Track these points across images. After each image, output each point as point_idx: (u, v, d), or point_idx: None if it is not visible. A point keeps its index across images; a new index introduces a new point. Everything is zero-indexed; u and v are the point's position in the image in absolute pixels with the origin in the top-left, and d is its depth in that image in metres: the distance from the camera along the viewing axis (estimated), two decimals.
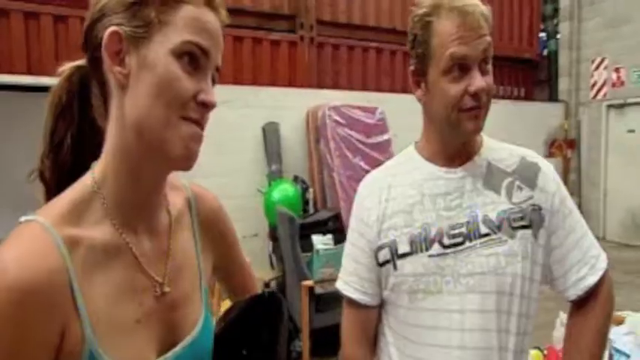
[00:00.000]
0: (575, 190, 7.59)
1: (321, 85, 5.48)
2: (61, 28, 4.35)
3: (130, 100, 0.58)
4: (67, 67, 0.66)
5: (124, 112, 0.59)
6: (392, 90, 5.95)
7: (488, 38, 0.92)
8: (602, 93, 7.63)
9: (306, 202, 4.89)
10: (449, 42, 0.90)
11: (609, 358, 2.99)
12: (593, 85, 7.73)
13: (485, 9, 0.93)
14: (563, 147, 7.82)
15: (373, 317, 1.06)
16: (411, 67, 1.00)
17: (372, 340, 1.08)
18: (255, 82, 4.91)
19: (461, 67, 0.91)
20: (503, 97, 6.80)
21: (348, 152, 5.06)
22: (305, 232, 4.00)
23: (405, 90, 6.11)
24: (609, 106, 7.57)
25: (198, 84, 0.59)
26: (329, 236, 3.91)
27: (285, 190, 4.53)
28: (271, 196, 4.38)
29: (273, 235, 4.24)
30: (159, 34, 0.57)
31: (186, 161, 0.60)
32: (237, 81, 4.75)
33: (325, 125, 4.96)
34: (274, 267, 4.37)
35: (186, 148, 0.59)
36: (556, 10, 8.12)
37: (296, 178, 4.99)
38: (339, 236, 4.14)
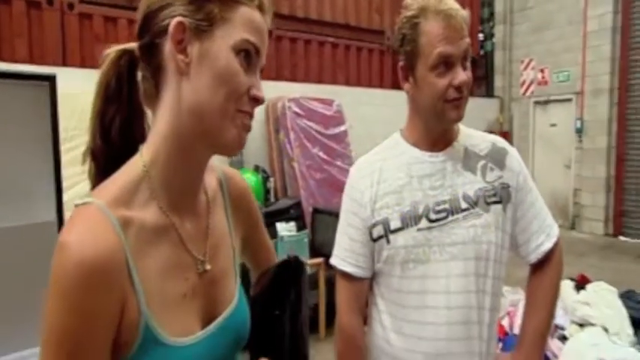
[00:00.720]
0: None
1: (279, 78, 5.42)
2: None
3: (190, 87, 0.59)
4: (112, 50, 0.65)
5: (181, 98, 0.60)
6: (347, 83, 6.04)
7: (468, 39, 1.00)
8: (529, 90, 8.14)
9: (267, 191, 4.87)
10: (436, 41, 0.97)
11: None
12: (523, 83, 8.22)
13: (465, 13, 1.01)
14: None
15: (365, 289, 1.14)
16: (401, 63, 1.07)
17: (364, 310, 1.14)
18: None
19: (446, 64, 0.98)
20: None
21: (307, 142, 5.09)
22: (268, 220, 4.00)
23: (359, 83, 6.20)
24: (536, 102, 8.03)
25: (251, 79, 0.61)
26: (292, 224, 3.96)
27: (246, 179, 4.46)
28: None
29: None
30: (220, 29, 0.59)
31: (237, 148, 0.62)
32: None
33: (285, 116, 4.94)
34: None
35: (239, 136, 0.62)
36: (492, 14, 8.54)
37: (257, 168, 4.94)
38: (301, 223, 4.20)
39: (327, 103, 5.36)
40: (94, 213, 0.56)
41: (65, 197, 2.13)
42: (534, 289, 1.17)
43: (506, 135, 8.26)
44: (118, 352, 0.56)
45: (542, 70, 7.83)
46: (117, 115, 0.65)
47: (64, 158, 2.11)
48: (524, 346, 1.13)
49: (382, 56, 6.38)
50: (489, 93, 8.49)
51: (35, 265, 1.92)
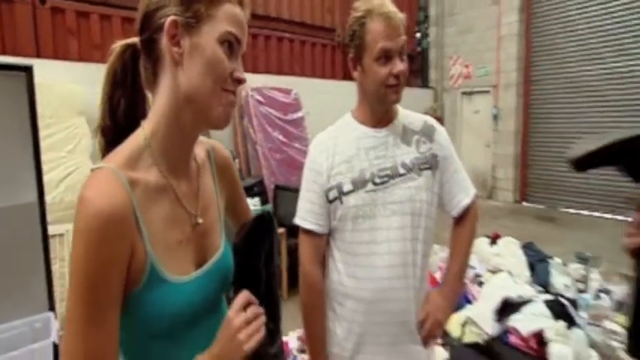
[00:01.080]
0: None
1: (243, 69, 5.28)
2: None
3: (183, 74, 0.62)
4: (118, 44, 0.69)
5: (177, 83, 0.63)
6: (303, 74, 5.96)
7: (404, 37, 1.07)
8: (457, 83, 8.25)
9: None
10: (379, 38, 1.03)
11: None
12: (452, 76, 8.31)
13: (402, 15, 1.08)
14: None
15: (324, 243, 1.17)
16: (350, 55, 1.10)
17: (322, 261, 1.18)
18: None
19: (386, 56, 1.04)
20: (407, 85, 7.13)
21: (269, 127, 5.07)
22: None
23: (314, 74, 6.13)
24: (462, 93, 8.21)
25: (233, 64, 0.65)
26: (256, 199, 3.99)
27: None
28: None
29: None
30: (207, 24, 0.62)
31: (224, 122, 0.66)
32: None
33: (248, 104, 4.89)
34: None
35: (225, 113, 0.65)
36: (427, 17, 8.53)
37: None
38: (264, 199, 4.24)
39: (286, 92, 5.33)
40: (107, 174, 0.59)
41: (45, 179, 2.07)
42: (456, 237, 1.24)
43: (439, 120, 8.20)
44: (128, 287, 0.60)
45: (467, 66, 8.04)
46: (122, 99, 0.68)
47: (43, 144, 2.04)
48: (448, 281, 1.21)
49: (334, 51, 6.32)
50: (425, 84, 8.61)
51: (19, 243, 1.88)
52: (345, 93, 6.02)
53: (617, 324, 2.68)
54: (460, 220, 1.22)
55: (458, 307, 3.05)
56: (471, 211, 1.22)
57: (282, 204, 4.08)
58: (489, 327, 2.73)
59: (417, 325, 1.13)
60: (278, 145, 5.12)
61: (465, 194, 1.20)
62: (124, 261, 0.58)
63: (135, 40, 0.68)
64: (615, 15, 5.98)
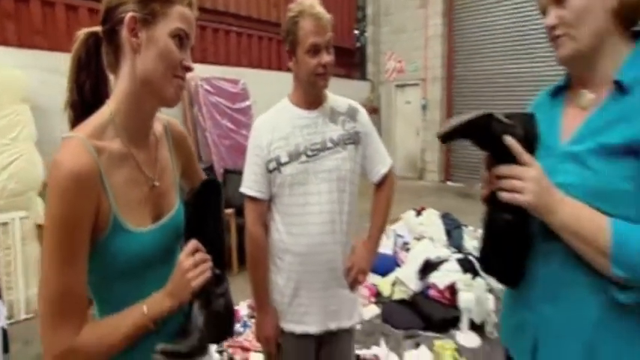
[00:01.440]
0: None
1: (192, 60, 5.08)
2: None
3: (141, 61, 0.69)
4: (82, 32, 0.73)
5: (135, 68, 0.69)
6: (250, 66, 5.87)
7: (330, 34, 1.17)
8: (392, 76, 8.51)
9: None
10: (310, 34, 1.13)
11: (394, 239, 3.80)
12: (387, 70, 8.56)
13: (329, 16, 1.17)
14: (371, 112, 8.30)
15: (265, 207, 1.25)
16: (287, 48, 1.19)
17: (264, 223, 1.26)
18: None
19: (315, 50, 1.14)
20: (338, 76, 7.11)
21: (218, 115, 4.99)
22: None
23: (260, 66, 6.05)
24: (396, 86, 8.47)
25: (182, 55, 0.72)
26: None
27: None
28: None
29: None
30: (161, 21, 0.69)
31: (174, 101, 0.73)
32: None
33: (198, 93, 4.77)
34: None
35: (176, 93, 0.73)
36: (365, 16, 8.69)
37: None
38: None
39: (234, 82, 5.25)
40: (77, 142, 0.64)
41: None
42: (377, 199, 1.36)
43: (376, 109, 8.62)
44: (96, 236, 0.66)
45: (400, 62, 8.29)
46: (87, 79, 0.73)
47: None
48: (371, 235, 1.34)
49: (279, 44, 6.25)
50: (363, 77, 8.75)
51: None
52: (290, 83, 6.15)
53: None
54: (380, 185, 1.35)
55: (388, 271, 3.32)
56: (388, 177, 1.35)
57: (231, 186, 4.06)
58: (414, 284, 2.99)
59: (344, 272, 1.25)
60: (226, 132, 5.06)
61: (382, 164, 1.33)
62: (92, 213, 0.64)
63: (97, 28, 0.72)
64: (528, 21, 6.51)
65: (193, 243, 0.74)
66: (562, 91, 0.86)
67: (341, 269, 1.25)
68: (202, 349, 0.72)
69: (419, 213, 4.07)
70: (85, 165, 0.63)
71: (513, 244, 0.78)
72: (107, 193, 0.67)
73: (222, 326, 0.76)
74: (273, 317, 1.24)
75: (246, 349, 2.33)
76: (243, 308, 2.88)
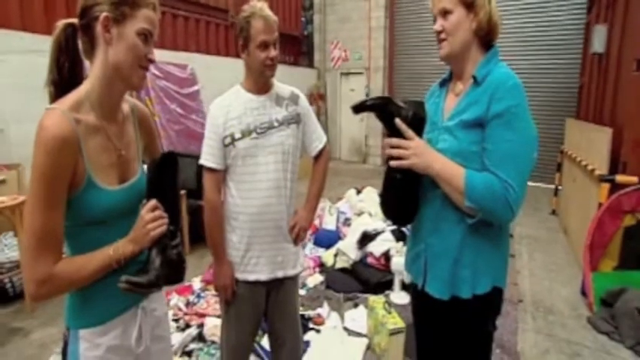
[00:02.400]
0: (324, 126, 8.81)
1: None
2: None
3: (112, 52, 0.82)
4: (61, 22, 0.84)
5: (107, 57, 0.82)
6: (198, 51, 5.71)
7: (277, 33, 1.35)
8: (337, 65, 8.67)
9: None
10: (260, 33, 1.31)
11: (337, 215, 4.08)
12: (333, 59, 8.69)
13: (275, 18, 1.35)
14: (317, 99, 8.60)
15: (221, 177, 1.41)
16: (240, 43, 1.35)
17: (219, 190, 1.40)
18: None
19: (265, 45, 1.32)
20: (280, 63, 7.12)
21: (167, 100, 4.90)
22: None
23: (208, 52, 5.90)
24: (341, 74, 8.65)
25: (147, 49, 0.85)
26: None
27: None
28: None
29: None
30: (129, 21, 0.82)
31: (139, 86, 0.88)
32: (52, 32, 3.77)
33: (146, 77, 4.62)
34: None
35: (140, 80, 0.86)
36: (312, 5, 8.64)
37: None
38: None
39: (182, 67, 5.16)
40: (59, 112, 0.77)
41: None
42: (315, 170, 1.55)
43: (322, 96, 8.76)
44: (72, 191, 0.78)
45: (345, 51, 8.48)
46: (66, 61, 0.84)
47: None
48: (310, 199, 1.53)
49: (227, 30, 6.14)
50: (310, 65, 8.82)
51: None
52: (237, 69, 5.93)
53: None
54: (317, 158, 1.56)
55: (332, 244, 3.60)
56: (324, 152, 1.55)
57: (182, 170, 4.02)
58: (353, 254, 3.30)
59: (289, 229, 1.45)
60: (176, 117, 5.00)
61: (319, 141, 1.53)
62: (71, 169, 0.77)
63: (74, 20, 0.84)
64: None
65: (153, 202, 0.88)
66: (446, 83, 1.16)
67: (286, 227, 1.44)
68: (157, 285, 0.87)
69: (359, 191, 4.40)
70: (66, 130, 0.75)
71: (402, 194, 1.06)
72: (83, 156, 0.79)
73: (174, 271, 0.89)
74: (229, 268, 1.42)
75: (201, 315, 2.49)
76: (196, 283, 3.01)
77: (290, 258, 1.47)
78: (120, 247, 0.84)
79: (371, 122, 8.36)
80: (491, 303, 1.03)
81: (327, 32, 8.76)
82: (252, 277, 1.42)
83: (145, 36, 0.84)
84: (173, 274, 0.89)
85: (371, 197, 4.09)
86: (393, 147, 1.00)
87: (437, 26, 1.03)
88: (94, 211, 0.82)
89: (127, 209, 0.90)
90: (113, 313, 0.90)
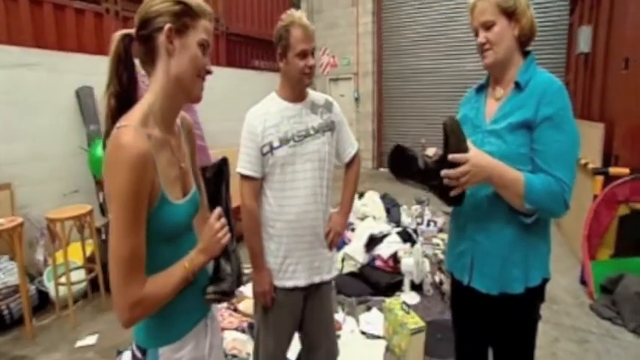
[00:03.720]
0: None
1: None
2: None
3: (174, 63, 0.82)
4: (117, 34, 0.83)
5: (169, 69, 0.82)
6: None
7: (314, 42, 1.37)
8: (326, 70, 8.76)
9: None
10: (300, 42, 1.32)
11: None
12: (322, 65, 8.74)
13: (313, 27, 1.37)
14: None
15: (259, 185, 1.41)
16: (279, 51, 1.36)
17: (257, 198, 1.42)
18: (60, 48, 3.85)
19: (304, 54, 1.33)
20: (269, 70, 6.82)
21: None
22: None
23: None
24: (330, 79, 8.76)
25: (205, 60, 0.86)
26: None
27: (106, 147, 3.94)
28: (96, 152, 3.76)
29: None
30: (191, 32, 0.82)
31: (199, 98, 0.87)
32: (40, 45, 3.68)
33: (141, 89, 4.50)
34: (105, 214, 3.92)
35: (200, 92, 0.87)
36: None
37: None
38: None
39: None
40: (134, 129, 0.74)
41: None
42: (348, 175, 1.58)
43: None
44: (147, 208, 0.76)
45: (333, 57, 8.58)
46: (124, 72, 0.82)
47: None
48: (343, 204, 1.57)
49: (218, 39, 6.08)
50: None
51: None
52: (228, 78, 5.85)
53: (440, 240, 3.57)
54: (349, 164, 1.59)
55: (337, 249, 3.63)
56: (356, 157, 1.59)
57: None
58: (361, 257, 3.32)
59: (325, 235, 1.47)
60: None
61: (352, 147, 1.57)
62: (150, 187, 0.76)
63: (130, 31, 0.83)
64: (448, 23, 7.22)
65: (219, 209, 0.89)
66: (483, 88, 1.21)
67: (322, 233, 1.46)
68: (234, 291, 0.90)
69: (361, 196, 4.43)
70: (146, 148, 0.74)
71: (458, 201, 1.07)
72: (158, 173, 0.78)
73: (239, 276, 0.93)
74: (268, 275, 1.43)
75: None
76: None
77: (326, 263, 1.49)
78: (194, 259, 0.84)
79: (361, 126, 8.44)
80: (540, 293, 1.08)
81: (315, 39, 8.80)
82: (290, 284, 1.43)
83: (204, 47, 0.84)
84: (238, 278, 0.91)
85: (374, 201, 4.13)
86: (450, 178, 0.99)
87: (481, 39, 1.07)
88: (168, 226, 0.82)
89: (189, 222, 0.91)
90: (188, 326, 0.90)
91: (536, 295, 1.07)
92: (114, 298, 0.75)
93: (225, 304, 2.72)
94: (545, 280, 1.09)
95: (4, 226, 2.51)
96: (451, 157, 0.97)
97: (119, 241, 0.73)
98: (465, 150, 0.98)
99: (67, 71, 3.81)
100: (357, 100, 8.39)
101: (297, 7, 8.59)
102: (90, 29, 4.19)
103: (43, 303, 3.01)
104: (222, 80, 5.83)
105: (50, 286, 2.98)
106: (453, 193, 1.00)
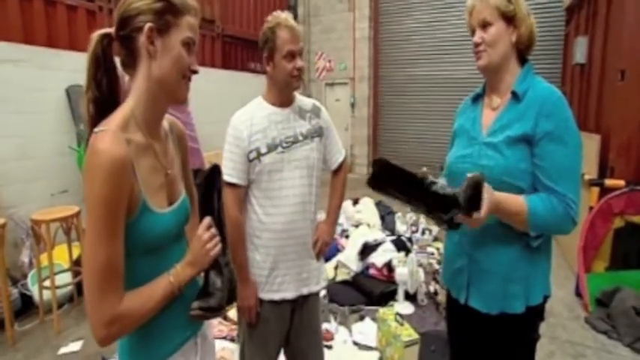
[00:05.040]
0: None
1: None
2: None
3: (156, 65, 0.76)
4: (96, 33, 0.78)
5: (151, 71, 0.77)
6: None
7: (302, 43, 1.32)
8: (322, 75, 8.76)
9: None
10: (287, 43, 1.28)
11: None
12: (317, 69, 8.78)
13: (300, 28, 1.32)
14: None
15: (243, 193, 1.36)
16: (265, 54, 1.32)
17: (241, 207, 1.37)
18: (51, 44, 3.77)
19: (292, 55, 1.29)
20: (264, 73, 6.93)
21: None
22: None
23: (198, 63, 5.91)
24: (326, 84, 8.75)
25: (191, 59, 0.80)
26: None
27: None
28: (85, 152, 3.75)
29: None
30: (174, 30, 0.77)
31: (184, 99, 0.82)
32: (29, 41, 3.59)
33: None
34: None
35: (185, 93, 0.82)
36: (296, 17, 8.59)
37: None
38: None
39: None
40: (112, 134, 0.70)
41: None
42: (335, 182, 1.54)
43: None
44: (127, 218, 0.72)
45: (330, 61, 8.59)
46: (103, 76, 0.77)
47: None
48: (330, 212, 1.52)
49: (213, 41, 6.07)
50: None
51: None
52: (223, 80, 5.92)
53: (435, 249, 3.55)
54: (336, 171, 1.54)
55: (331, 256, 3.55)
56: (344, 164, 1.55)
57: None
58: (354, 266, 3.29)
59: (312, 245, 1.42)
60: None
61: (339, 154, 1.53)
62: (128, 195, 0.71)
63: (109, 30, 0.78)
64: (443, 30, 7.27)
65: (208, 219, 0.84)
66: (479, 98, 1.17)
67: (310, 242, 1.42)
68: (223, 308, 0.85)
69: (355, 202, 4.41)
70: (124, 153, 0.69)
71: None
72: (137, 180, 0.74)
73: (232, 289, 0.89)
74: (254, 289, 1.37)
75: None
76: None
77: (314, 274, 1.45)
78: (179, 273, 0.80)
79: (356, 131, 8.44)
80: (540, 312, 1.04)
81: (311, 43, 8.81)
82: (278, 297, 1.38)
83: (189, 45, 0.79)
84: (231, 293, 0.86)
85: (368, 208, 4.11)
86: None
87: (476, 38, 1.05)
88: (150, 237, 0.77)
89: (177, 232, 0.86)
90: (175, 345, 0.85)
91: (536, 313, 1.04)
92: (88, 314, 0.69)
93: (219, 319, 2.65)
94: (546, 298, 1.06)
95: None
96: (473, 224, 0.93)
97: (94, 252, 0.68)
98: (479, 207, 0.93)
99: (57, 69, 3.74)
100: (352, 105, 8.40)
101: (294, 10, 8.61)
102: (82, 26, 4.11)
103: (26, 307, 2.93)
104: (217, 82, 5.82)
105: (34, 290, 2.91)
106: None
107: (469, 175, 0.89)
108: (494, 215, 0.98)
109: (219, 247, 0.84)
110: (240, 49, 6.68)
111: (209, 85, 5.68)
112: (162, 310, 0.78)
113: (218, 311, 0.82)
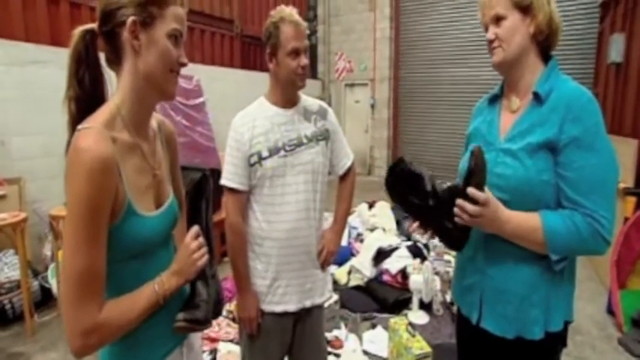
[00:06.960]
0: None
1: None
2: None
3: (142, 60, 0.73)
4: (78, 29, 0.74)
5: (137, 67, 0.73)
6: (203, 62, 5.69)
7: (307, 40, 1.26)
8: (342, 76, 8.69)
9: None
10: (291, 39, 1.22)
11: (349, 231, 3.98)
12: (337, 70, 8.71)
13: (305, 24, 1.26)
14: None
15: (245, 199, 1.30)
16: (268, 50, 1.26)
17: (243, 213, 1.31)
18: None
19: (296, 52, 1.23)
20: None
21: (172, 112, 4.81)
22: None
23: (213, 62, 5.87)
24: (346, 85, 8.68)
25: (178, 52, 0.77)
26: None
27: None
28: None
29: None
30: (159, 22, 0.73)
31: (172, 95, 0.78)
32: (55, 43, 3.70)
33: None
34: None
35: (174, 88, 0.78)
36: (315, 16, 8.68)
37: None
38: None
39: (188, 78, 5.09)
40: (96, 131, 0.66)
41: None
42: (342, 188, 1.47)
43: None
44: (111, 220, 0.68)
45: (349, 62, 8.51)
46: (86, 73, 0.73)
47: None
48: (337, 220, 1.45)
49: (232, 41, 6.12)
50: (314, 76, 8.75)
51: None
52: (242, 80, 5.99)
53: (452, 257, 3.40)
54: (344, 176, 1.47)
55: (344, 261, 3.48)
56: (351, 169, 1.47)
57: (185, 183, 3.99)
58: (368, 271, 3.20)
59: (317, 254, 1.35)
60: (181, 129, 4.89)
61: (347, 158, 1.45)
62: (112, 196, 0.67)
63: (92, 25, 0.74)
64: (465, 31, 7.07)
65: (196, 228, 0.81)
66: (497, 99, 1.07)
67: (315, 252, 1.35)
68: (209, 320, 0.80)
69: (371, 206, 4.31)
70: (108, 151, 0.66)
71: (456, 239, 0.95)
72: (122, 180, 0.70)
73: (217, 302, 0.85)
74: (255, 299, 1.31)
75: (213, 340, 2.37)
76: None
77: (318, 285, 1.38)
78: (165, 282, 0.75)
79: (376, 133, 8.35)
80: (562, 338, 0.93)
81: (331, 43, 8.80)
82: (279, 309, 1.32)
83: (176, 37, 0.75)
84: (217, 305, 0.82)
85: (384, 212, 4.00)
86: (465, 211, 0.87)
87: (490, 35, 0.95)
88: (135, 241, 0.73)
89: (164, 236, 0.82)
90: (160, 356, 0.80)
91: (556, 340, 0.92)
92: (64, 321, 0.65)
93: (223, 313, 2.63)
94: (568, 323, 0.94)
95: (7, 220, 2.52)
96: (471, 191, 0.84)
97: (73, 256, 0.63)
98: (483, 191, 0.86)
99: None
100: (372, 106, 8.30)
101: (314, 10, 8.61)
102: None
103: (46, 299, 3.02)
104: (235, 82, 5.87)
105: (53, 283, 2.99)
106: (459, 220, 0.87)
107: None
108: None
109: (206, 257, 0.80)
110: (260, 50, 6.70)
111: (227, 85, 5.73)
112: (146, 320, 0.74)
113: (204, 324, 0.78)
